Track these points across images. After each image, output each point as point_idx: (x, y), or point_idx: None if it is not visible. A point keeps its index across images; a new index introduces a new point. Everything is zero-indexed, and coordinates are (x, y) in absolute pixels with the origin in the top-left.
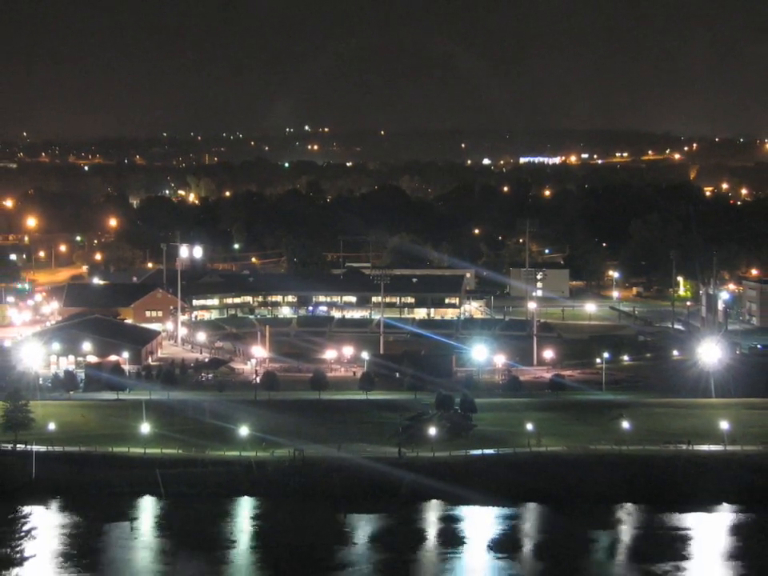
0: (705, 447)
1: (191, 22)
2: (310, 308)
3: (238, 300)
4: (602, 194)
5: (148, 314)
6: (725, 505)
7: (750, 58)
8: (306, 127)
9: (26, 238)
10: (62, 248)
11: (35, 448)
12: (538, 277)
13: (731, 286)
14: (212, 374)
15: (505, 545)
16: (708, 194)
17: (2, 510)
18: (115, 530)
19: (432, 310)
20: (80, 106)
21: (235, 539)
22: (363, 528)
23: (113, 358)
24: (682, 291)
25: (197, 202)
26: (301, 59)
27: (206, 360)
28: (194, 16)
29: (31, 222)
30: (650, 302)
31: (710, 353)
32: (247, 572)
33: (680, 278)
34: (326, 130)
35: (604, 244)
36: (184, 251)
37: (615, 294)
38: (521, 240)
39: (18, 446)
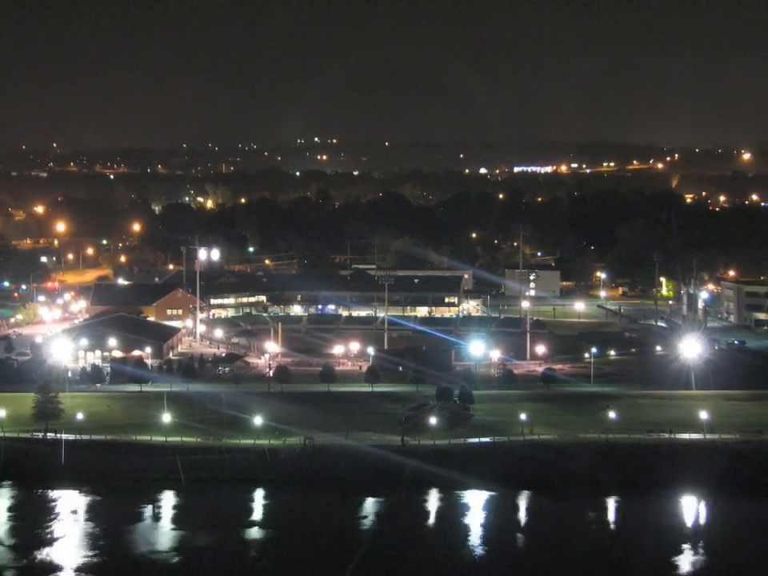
0: (686, 436)
1: (210, 44)
2: (319, 306)
3: (252, 299)
4: (590, 201)
5: (169, 312)
6: (704, 489)
7: (728, 74)
8: (316, 139)
9: (56, 242)
10: (89, 251)
11: (64, 436)
12: (531, 277)
13: (710, 287)
14: (228, 368)
15: (500, 527)
16: (688, 200)
17: (34, 494)
18: (138, 512)
19: (433, 308)
20: (106, 119)
21: (250, 521)
22: (369, 511)
23: (136, 352)
24: (664, 291)
25: (214, 208)
26: (311, 76)
27: (223, 355)
28: (212, 39)
29: (61, 226)
30: (635, 301)
31: (691, 348)
32: (261, 552)
33: (663, 279)
34: (335, 141)
35: (592, 247)
36: (202, 254)
37: (602, 293)
38: (515, 243)
39: (48, 434)
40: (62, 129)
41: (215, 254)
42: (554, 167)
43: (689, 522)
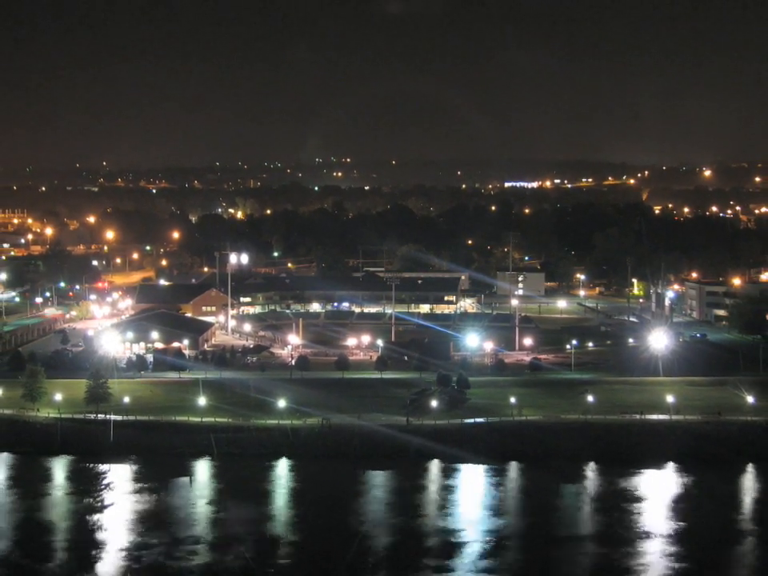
0: (654, 417)
1: (241, 76)
2: (335, 304)
3: (276, 297)
4: (571, 212)
5: (204, 308)
6: (670, 464)
7: (691, 102)
8: (332, 158)
9: (106, 248)
10: (135, 255)
11: (113, 417)
12: (519, 279)
13: (676, 287)
14: (256, 358)
15: (492, 495)
16: (657, 212)
17: (86, 468)
18: (177, 483)
19: (434, 305)
20: (150, 141)
21: (274, 491)
22: (378, 482)
23: (176, 344)
24: (636, 290)
25: (243, 218)
26: (328, 104)
27: (251, 346)
28: (243, 72)
29: (110, 234)
30: (610, 299)
31: (659, 340)
32: (284, 518)
33: (634, 280)
34: (349, 160)
35: (573, 252)
36: (233, 258)
37: (582, 292)
38: (505, 249)
39: (99, 415)
40: (111, 149)
41: (244, 259)
42: (540, 183)
43: (655, 490)
